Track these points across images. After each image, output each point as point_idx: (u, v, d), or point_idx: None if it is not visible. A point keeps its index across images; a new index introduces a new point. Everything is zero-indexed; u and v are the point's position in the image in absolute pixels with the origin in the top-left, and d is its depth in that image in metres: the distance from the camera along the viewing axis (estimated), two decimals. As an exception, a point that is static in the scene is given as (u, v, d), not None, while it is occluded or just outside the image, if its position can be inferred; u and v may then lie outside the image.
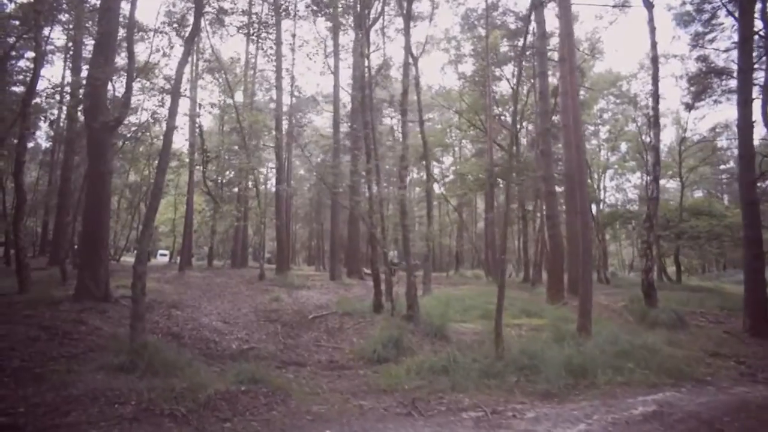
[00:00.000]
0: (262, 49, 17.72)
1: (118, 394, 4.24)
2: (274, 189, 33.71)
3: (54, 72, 37.73)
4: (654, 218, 13.59)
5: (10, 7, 18.74)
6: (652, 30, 13.51)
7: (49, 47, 22.02)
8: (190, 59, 11.48)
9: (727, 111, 43.76)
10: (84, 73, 17.54)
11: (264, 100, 30.22)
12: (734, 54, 19.42)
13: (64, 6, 16.99)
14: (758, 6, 12.94)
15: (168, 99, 10.39)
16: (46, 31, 19.31)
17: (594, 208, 28.20)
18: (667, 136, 37.59)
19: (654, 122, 13.68)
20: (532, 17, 23.14)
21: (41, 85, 23.79)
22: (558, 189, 17.48)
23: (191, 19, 15.12)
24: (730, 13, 16.62)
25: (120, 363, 5.34)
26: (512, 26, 25.61)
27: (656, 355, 7.36)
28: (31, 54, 20.19)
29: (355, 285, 18.88)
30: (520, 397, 5.36)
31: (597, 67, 29.95)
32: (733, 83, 20.55)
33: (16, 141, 14.67)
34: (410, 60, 11.14)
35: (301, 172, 42.09)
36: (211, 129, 29.16)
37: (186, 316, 10.02)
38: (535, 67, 20.70)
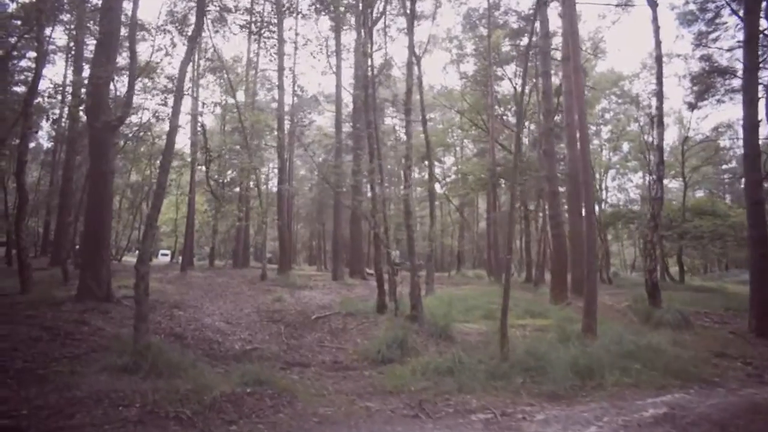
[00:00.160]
0: (265, 47, 17.66)
1: (122, 396, 4.19)
2: (275, 189, 33.76)
3: (55, 72, 37.66)
4: (658, 218, 13.53)
5: (12, 7, 18.74)
6: (656, 29, 13.45)
7: (50, 47, 22.04)
8: (192, 58, 11.42)
9: (730, 110, 43.78)
10: (86, 73, 17.53)
11: (265, 100, 30.22)
12: (738, 53, 19.36)
13: (66, 6, 16.99)
14: (764, 4, 12.85)
15: (171, 98, 10.33)
16: (47, 31, 19.30)
17: (596, 208, 28.15)
18: (670, 136, 37.45)
19: (658, 122, 13.59)
20: (535, 16, 23.22)
21: (43, 84, 23.82)
22: (560, 189, 17.43)
23: (193, 19, 15.21)
24: (734, 12, 16.54)
25: (123, 364, 5.29)
26: (514, 26, 25.53)
27: (662, 356, 7.30)
28: (32, 54, 20.22)
29: (358, 285, 18.83)
30: (528, 399, 5.30)
31: (599, 66, 29.92)
32: (736, 82, 20.52)
33: (17, 141, 14.65)
34: (413, 59, 11.06)
35: (302, 172, 42.06)
36: (213, 129, 29.11)
37: (188, 317, 9.97)
38: (537, 67, 20.64)
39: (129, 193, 25.57)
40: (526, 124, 25.67)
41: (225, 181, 25.59)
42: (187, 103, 19.52)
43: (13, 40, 19.15)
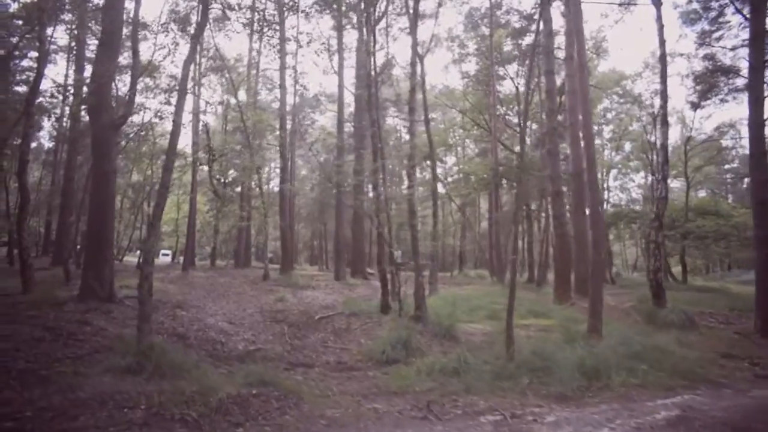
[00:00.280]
0: (269, 45, 17.60)
1: (127, 397, 4.13)
2: (276, 189, 33.70)
3: (57, 72, 37.74)
4: (662, 218, 13.46)
5: (14, 7, 18.73)
6: (660, 27, 13.36)
7: (52, 47, 22.02)
8: (195, 57, 11.36)
9: (733, 110, 43.62)
10: (87, 73, 17.50)
11: (267, 100, 30.19)
12: (741, 52, 19.33)
13: (67, 5, 16.97)
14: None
15: (174, 96, 10.29)
16: (49, 31, 19.27)
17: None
18: (672, 136, 37.40)
19: (662, 121, 13.53)
20: (538, 15, 23.14)
21: (45, 84, 23.79)
22: (563, 189, 17.35)
23: (194, 18, 15.19)
24: (738, 11, 16.44)
25: (127, 365, 5.23)
26: (516, 25, 25.45)
27: (669, 357, 7.24)
28: (34, 53, 20.21)
29: (360, 285, 18.78)
30: (535, 400, 5.24)
31: (601, 66, 29.83)
32: (740, 81, 20.41)
33: (19, 141, 14.62)
34: (416, 58, 11.00)
35: (303, 172, 42.01)
36: (215, 129, 29.09)
37: (191, 317, 9.91)
38: (540, 66, 20.55)
39: (130, 192, 25.54)
40: (528, 123, 25.55)
41: (227, 180, 25.55)
42: (189, 103, 19.51)
43: (14, 39, 19.17)
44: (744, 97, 21.59)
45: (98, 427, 3.61)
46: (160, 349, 5.65)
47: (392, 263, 10.88)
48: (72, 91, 17.29)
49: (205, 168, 26.28)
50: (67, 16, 20.53)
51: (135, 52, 10.08)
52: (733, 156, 36.84)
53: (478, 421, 4.31)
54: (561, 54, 19.03)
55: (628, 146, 34.92)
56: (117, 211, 21.90)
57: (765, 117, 11.51)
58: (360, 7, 11.68)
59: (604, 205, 32.37)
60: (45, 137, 30.88)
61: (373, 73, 11.22)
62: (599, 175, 31.79)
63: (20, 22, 18.67)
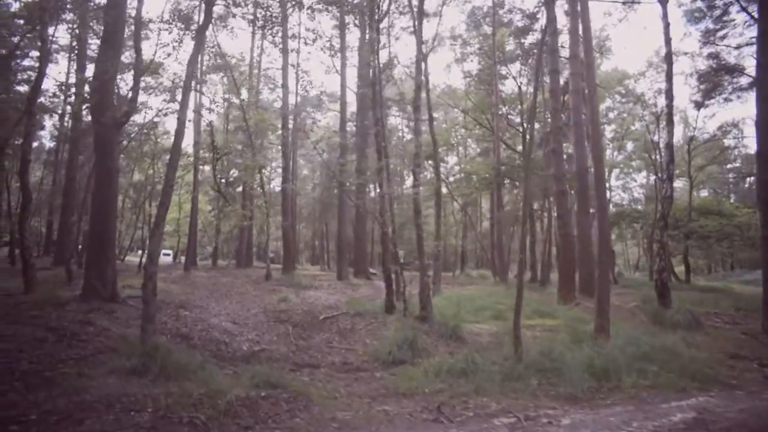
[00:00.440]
0: (273, 42, 17.49)
1: (134, 400, 4.05)
2: (277, 189, 33.64)
3: (58, 71, 37.74)
4: (668, 217, 13.38)
5: (15, 6, 18.68)
6: (666, 25, 13.30)
7: (53, 46, 21.95)
8: (200, 53, 11.25)
9: (737, 109, 43.46)
10: (89, 72, 17.44)
11: (269, 99, 30.14)
12: (746, 51, 19.25)
13: (69, 5, 16.91)
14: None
15: (178, 93, 10.21)
16: (50, 30, 19.20)
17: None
18: (675, 135, 37.26)
19: (668, 120, 13.46)
20: (541, 14, 23.07)
21: (46, 84, 23.71)
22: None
23: (197, 16, 15.12)
24: (743, 9, 16.37)
25: (132, 366, 5.15)
26: (519, 24, 25.36)
27: (678, 358, 7.15)
28: (35, 53, 20.15)
29: (363, 285, 18.71)
30: (546, 401, 5.16)
31: (604, 65, 29.71)
32: (744, 80, 20.33)
33: (20, 141, 14.56)
34: (421, 56, 10.92)
35: (305, 172, 41.96)
36: (216, 128, 29.01)
37: (194, 317, 9.84)
38: (543, 65, 20.45)
39: (132, 192, 25.47)
40: (531, 123, 25.48)
41: (229, 180, 25.49)
42: (191, 101, 19.43)
43: (16, 39, 19.10)
44: (748, 96, 21.57)
45: (105, 431, 3.52)
46: (166, 350, 5.57)
47: (397, 263, 10.81)
48: (74, 90, 17.23)
49: (206, 168, 26.31)
50: (69, 16, 20.46)
51: (138, 50, 10.00)
52: (736, 155, 36.68)
53: (491, 423, 4.23)
54: (564, 53, 18.99)
55: (630, 146, 34.82)
56: (119, 211, 21.88)
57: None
58: (363, 5, 11.58)
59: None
60: (46, 137, 30.87)
61: (377, 71, 11.15)
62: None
63: (21, 22, 18.60)
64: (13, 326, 7.10)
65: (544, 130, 20.87)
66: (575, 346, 7.42)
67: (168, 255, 36.26)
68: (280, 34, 15.90)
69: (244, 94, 21.56)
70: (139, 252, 27.55)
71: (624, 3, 20.01)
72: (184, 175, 23.73)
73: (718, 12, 18.66)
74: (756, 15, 13.53)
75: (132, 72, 11.14)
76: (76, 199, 20.17)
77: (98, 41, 15.82)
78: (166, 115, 14.92)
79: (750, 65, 19.72)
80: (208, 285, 15.38)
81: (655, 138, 26.32)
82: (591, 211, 15.64)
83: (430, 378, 6.21)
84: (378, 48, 11.05)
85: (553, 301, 14.45)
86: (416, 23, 10.95)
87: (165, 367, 5.17)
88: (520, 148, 25.71)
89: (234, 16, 9.99)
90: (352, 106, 24.81)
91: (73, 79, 21.57)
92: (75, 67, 22.52)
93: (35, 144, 25.91)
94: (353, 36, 23.71)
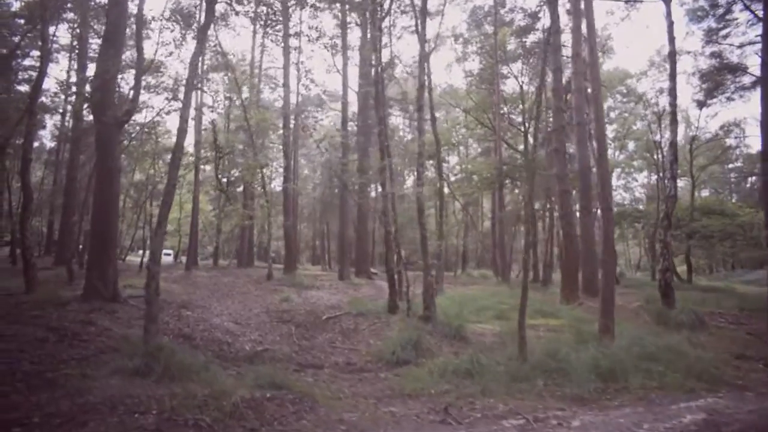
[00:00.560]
0: (275, 41, 17.44)
1: (138, 402, 3.98)
2: (278, 189, 33.57)
3: (59, 71, 37.67)
4: (671, 217, 13.31)
5: (16, 6, 18.66)
6: (670, 24, 13.21)
7: (54, 46, 21.92)
8: (203, 51, 11.17)
9: (739, 108, 43.35)
10: (90, 72, 17.38)
11: (269, 99, 30.09)
12: (749, 50, 19.17)
13: (69, 4, 16.87)
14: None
15: (180, 91, 10.16)
16: (51, 30, 19.17)
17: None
18: (677, 134, 37.18)
19: (672, 119, 13.38)
20: (543, 13, 23.01)
21: (47, 83, 23.69)
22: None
23: (198, 14, 15.06)
24: (746, 7, 16.29)
25: (135, 367, 5.08)
26: (521, 23, 25.29)
27: (683, 358, 7.07)
28: (36, 53, 20.11)
29: (364, 285, 18.67)
30: (553, 402, 5.10)
31: (605, 65, 29.63)
32: (747, 79, 20.27)
33: (21, 140, 14.51)
34: (425, 52, 10.86)
35: (305, 172, 41.89)
36: (218, 127, 28.95)
37: (196, 317, 9.80)
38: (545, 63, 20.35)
39: (132, 192, 25.42)
40: (533, 122, 25.43)
41: (230, 179, 25.45)
42: (192, 100, 19.32)
43: (16, 38, 19.05)
44: (751, 95, 21.52)
45: (108, 434, 3.47)
46: (169, 351, 5.51)
47: (400, 262, 10.76)
48: (75, 90, 17.19)
49: (207, 168, 26.27)
50: (70, 15, 20.43)
51: (139, 48, 9.95)
52: (737, 155, 36.60)
53: (500, 425, 4.17)
54: (565, 52, 18.92)
55: (631, 145, 34.73)
56: (120, 211, 21.86)
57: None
58: (367, 3, 11.51)
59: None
60: (47, 137, 30.83)
61: (379, 70, 11.10)
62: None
63: (22, 21, 18.57)
64: (14, 326, 7.06)
65: (546, 129, 20.79)
66: (580, 346, 7.35)
67: (169, 255, 36.19)
68: (281, 33, 15.84)
69: (245, 93, 21.50)
70: (140, 252, 27.50)
71: (627, 1, 19.93)
72: (185, 175, 23.69)
73: (720, 11, 18.60)
74: (761, 14, 13.49)
75: (134, 71, 11.12)
76: (77, 199, 20.12)
77: (99, 41, 15.78)
78: (168, 113, 14.86)
79: (753, 64, 19.66)
80: (209, 285, 15.33)
81: (657, 137, 26.25)
82: (594, 211, 15.60)
83: (435, 379, 6.16)
84: (380, 46, 10.98)
85: (555, 301, 14.40)
86: (419, 21, 10.87)
87: (168, 368, 5.11)
88: (521, 147, 25.65)
89: (237, 14, 9.92)
90: (353, 106, 24.75)
91: (74, 79, 21.52)
92: (76, 67, 22.46)
93: (36, 144, 25.89)
94: (354, 35, 23.68)
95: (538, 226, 25.40)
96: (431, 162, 24.68)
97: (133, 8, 11.51)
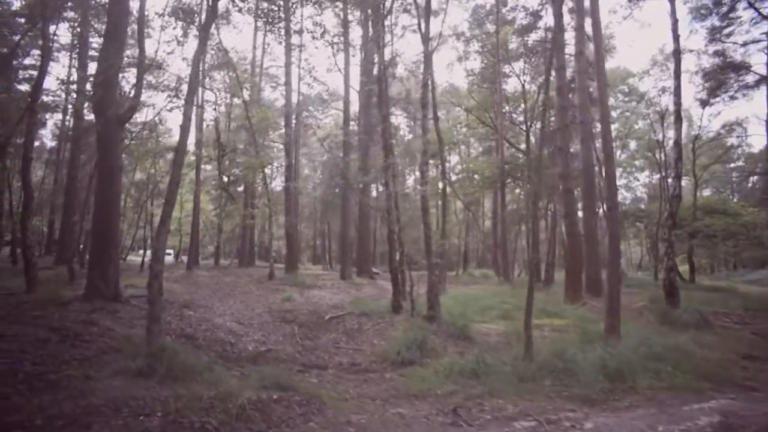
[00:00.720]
0: (277, 39, 17.29)
1: (142, 404, 3.90)
2: (278, 188, 33.48)
3: (60, 70, 37.61)
4: (676, 216, 13.22)
5: (16, 5, 18.58)
6: (675, 22, 13.14)
7: (55, 45, 21.84)
8: (204, 49, 11.07)
9: (742, 107, 43.28)
10: (90, 71, 17.32)
11: (270, 98, 30.02)
12: (752, 48, 19.08)
13: (70, 2, 16.81)
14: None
15: (183, 88, 10.07)
16: (52, 28, 19.09)
17: (602, 207, 27.85)
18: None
19: (676, 117, 13.28)
20: (545, 12, 22.92)
21: (48, 82, 23.60)
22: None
23: (200, 11, 14.98)
24: (751, 5, 16.21)
25: (138, 367, 5.00)
26: (523, 22, 25.19)
27: (690, 358, 7.01)
28: (36, 51, 20.03)
29: (366, 284, 18.61)
30: (562, 403, 5.02)
31: (607, 63, 29.49)
32: (750, 78, 20.13)
33: (22, 139, 14.44)
34: (428, 51, 10.78)
35: (306, 171, 41.83)
36: (220, 126, 28.87)
37: (199, 317, 9.73)
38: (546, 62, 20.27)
39: (133, 191, 25.34)
40: (536, 121, 25.32)
41: (231, 179, 25.36)
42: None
43: (17, 37, 18.97)
44: (754, 94, 21.40)
45: (113, 437, 3.39)
46: (172, 351, 5.43)
47: (403, 262, 10.68)
48: (75, 88, 17.12)
49: (208, 167, 26.18)
50: (70, 14, 20.36)
51: (141, 46, 9.87)
52: (739, 154, 36.49)
53: (512, 427, 4.09)
54: (568, 50, 18.82)
55: (633, 144, 34.63)
56: (121, 210, 21.80)
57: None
58: (369, 1, 11.42)
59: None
60: (47, 136, 30.76)
61: (382, 68, 11.02)
62: (604, 174, 31.55)
63: (23, 20, 18.50)
64: (15, 326, 6.98)
65: (549, 128, 20.69)
66: (586, 346, 7.29)
67: (169, 254, 36.13)
68: (283, 31, 15.74)
69: (246, 93, 21.42)
70: (141, 252, 27.43)
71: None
72: (188, 173, 23.64)
73: (724, 9, 18.45)
74: (765, 12, 13.43)
75: (135, 69, 11.05)
76: (78, 198, 20.04)
77: (100, 40, 15.71)
78: (171, 110, 14.77)
79: (756, 62, 19.57)
80: (211, 284, 15.25)
81: (659, 136, 26.14)
82: (598, 210, 15.51)
83: (440, 379, 6.10)
84: (383, 44, 10.90)
85: (559, 300, 14.34)
86: (422, 20, 10.79)
87: (172, 369, 5.03)
88: (523, 146, 25.55)
89: (240, 10, 9.84)
90: (354, 105, 24.66)
91: (74, 77, 21.46)
92: (76, 66, 22.40)
93: (37, 143, 25.78)
94: (355, 34, 23.61)
95: (540, 225, 25.31)
96: (433, 161, 24.59)
97: (134, 6, 11.50)
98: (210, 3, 6.53)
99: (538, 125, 26.41)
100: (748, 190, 39.35)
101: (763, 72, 18.80)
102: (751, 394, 5.97)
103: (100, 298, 9.26)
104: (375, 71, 13.68)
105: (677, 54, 13.23)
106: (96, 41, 20.51)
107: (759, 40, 17.59)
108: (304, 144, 28.92)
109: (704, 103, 23.80)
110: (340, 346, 8.54)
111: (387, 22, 15.29)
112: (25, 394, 4.14)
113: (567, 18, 18.82)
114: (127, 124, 12.37)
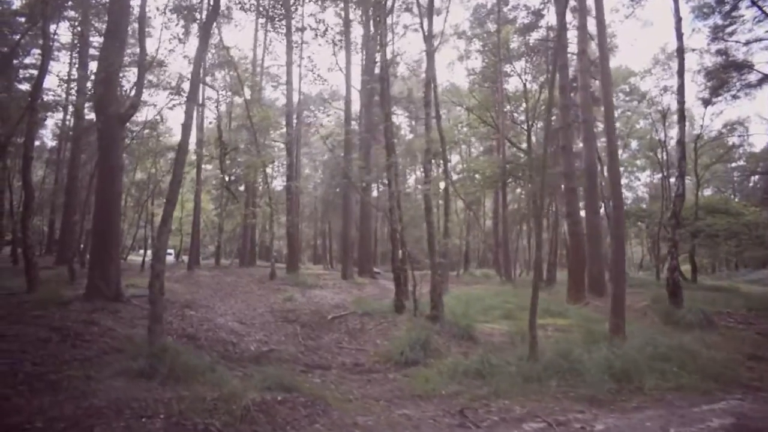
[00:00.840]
0: (278, 38, 17.28)
1: (144, 405, 3.82)
2: (279, 188, 33.43)
3: (60, 70, 37.59)
4: (679, 215, 13.14)
5: (17, 4, 18.54)
6: (678, 20, 13.04)
7: (55, 44, 21.79)
8: (206, 47, 11.02)
9: (744, 106, 43.22)
10: (91, 70, 17.26)
11: (271, 98, 29.97)
12: (755, 47, 18.98)
13: (70, 1, 16.76)
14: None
15: (185, 86, 10.01)
16: (52, 28, 19.05)
17: (604, 206, 27.77)
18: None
19: (679, 116, 13.21)
20: (547, 11, 22.86)
21: (48, 81, 23.55)
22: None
23: (201, 14, 14.93)
24: (753, 4, 16.12)
25: (139, 368, 4.94)
26: (525, 21, 25.13)
27: (696, 359, 6.95)
28: (36, 51, 19.97)
29: (368, 284, 18.55)
30: (570, 404, 4.95)
31: (610, 62, 29.43)
32: (753, 77, 20.03)
33: (22, 139, 14.38)
34: (431, 48, 10.73)
35: (306, 171, 41.79)
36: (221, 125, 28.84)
37: (200, 317, 9.65)
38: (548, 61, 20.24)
39: (134, 191, 25.30)
40: (539, 120, 25.24)
41: (231, 178, 25.31)
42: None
43: (17, 36, 18.92)
44: (757, 93, 21.31)
45: (115, 439, 3.32)
46: (174, 351, 5.37)
47: (405, 262, 10.63)
48: (76, 87, 17.05)
49: (209, 167, 26.13)
50: (71, 13, 20.31)
51: (142, 43, 9.80)
52: (740, 154, 36.42)
53: (521, 429, 4.02)
54: (570, 49, 18.75)
55: (634, 144, 34.54)
56: (121, 209, 21.75)
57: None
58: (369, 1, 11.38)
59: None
60: (48, 135, 30.73)
61: (384, 66, 10.96)
62: (605, 173, 31.48)
63: (23, 20, 18.45)
64: (16, 326, 6.92)
65: (552, 126, 20.62)
66: (591, 346, 7.23)
67: (170, 254, 36.07)
68: (285, 30, 15.70)
69: (247, 92, 21.37)
70: (141, 251, 27.36)
71: (632, -1, 19.76)
72: (189, 172, 23.58)
73: (727, 7, 18.34)
74: (768, 10, 13.35)
75: (136, 68, 10.98)
76: (78, 198, 20.00)
77: (100, 38, 15.64)
78: (172, 108, 14.71)
79: (759, 61, 19.50)
80: (212, 284, 15.18)
81: (661, 136, 26.07)
82: (601, 210, 15.44)
83: (445, 379, 6.04)
84: (385, 42, 10.84)
85: (561, 300, 14.27)
86: (424, 19, 10.74)
87: (174, 369, 4.97)
88: (524, 146, 25.48)
89: (242, 8, 9.77)
90: (355, 104, 24.63)
91: (75, 76, 21.40)
92: (77, 65, 22.34)
93: (37, 142, 25.74)
94: (357, 33, 23.56)
95: (542, 225, 25.22)
96: (435, 160, 24.53)
97: (134, 4, 11.43)
98: (212, 0, 6.46)
99: (540, 124, 26.41)
100: (749, 189, 39.29)
101: (766, 71, 18.75)
102: (759, 394, 5.91)
103: (101, 297, 9.20)
104: (377, 70, 13.62)
105: (681, 52, 13.13)
106: (96, 40, 20.44)
107: (762, 39, 17.54)
108: (305, 143, 28.89)
109: (706, 102, 23.68)
110: (342, 346, 8.47)
111: (388, 21, 15.23)
112: (26, 395, 4.08)
113: (569, 17, 18.79)
114: (127, 123, 12.31)
